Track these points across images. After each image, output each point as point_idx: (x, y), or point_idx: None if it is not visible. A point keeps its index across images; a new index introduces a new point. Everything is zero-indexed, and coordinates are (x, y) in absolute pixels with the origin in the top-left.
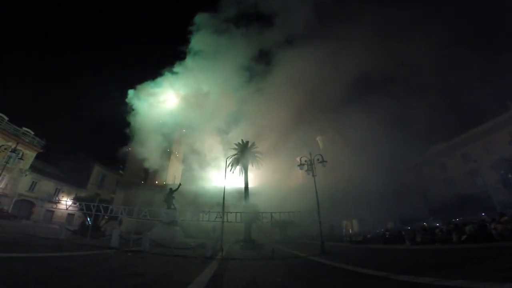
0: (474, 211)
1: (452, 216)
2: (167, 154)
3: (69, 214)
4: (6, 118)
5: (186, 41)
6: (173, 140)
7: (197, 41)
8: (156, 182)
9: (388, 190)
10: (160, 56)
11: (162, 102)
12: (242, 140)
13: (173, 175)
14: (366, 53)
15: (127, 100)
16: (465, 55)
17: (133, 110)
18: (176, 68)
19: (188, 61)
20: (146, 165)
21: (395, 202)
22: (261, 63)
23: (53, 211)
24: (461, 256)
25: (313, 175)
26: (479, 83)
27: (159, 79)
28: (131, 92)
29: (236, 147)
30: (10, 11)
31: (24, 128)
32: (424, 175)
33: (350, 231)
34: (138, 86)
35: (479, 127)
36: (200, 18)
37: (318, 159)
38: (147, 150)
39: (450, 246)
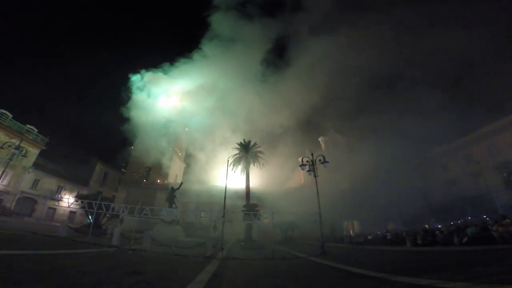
0: (476, 213)
1: (454, 217)
2: (169, 152)
3: (71, 212)
4: (10, 115)
5: (193, 36)
6: (175, 138)
7: (205, 37)
8: (158, 180)
9: (390, 191)
10: (167, 47)
11: (165, 97)
12: (244, 139)
13: (175, 174)
14: (376, 51)
15: (130, 89)
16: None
17: (131, 96)
18: (180, 62)
19: (193, 55)
20: (148, 163)
21: (397, 203)
22: (268, 61)
23: (55, 209)
24: (462, 259)
25: (315, 176)
26: (484, 84)
27: (165, 69)
28: (135, 78)
29: (238, 146)
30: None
31: (28, 126)
32: (426, 176)
33: (351, 232)
34: (142, 72)
35: (482, 129)
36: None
37: (320, 160)
38: (149, 149)
39: (451, 248)
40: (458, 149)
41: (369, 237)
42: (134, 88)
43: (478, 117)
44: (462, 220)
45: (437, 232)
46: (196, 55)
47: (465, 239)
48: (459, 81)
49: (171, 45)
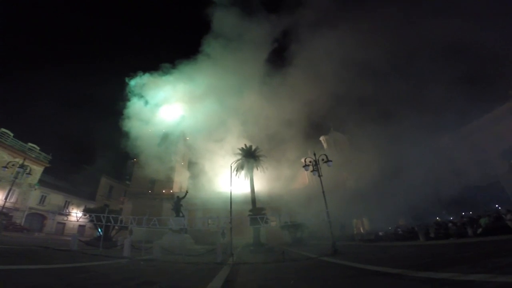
0: (487, 203)
1: (465, 209)
2: (172, 162)
3: (80, 226)
4: (11, 134)
5: (192, 38)
6: (177, 148)
7: (204, 38)
8: (163, 190)
9: (397, 185)
10: (166, 49)
11: (163, 104)
12: (245, 144)
13: (179, 183)
14: (379, 43)
15: (127, 96)
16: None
17: (129, 105)
18: (181, 64)
19: (193, 58)
20: (152, 175)
21: (405, 197)
22: (269, 62)
23: (64, 223)
24: (479, 250)
25: (319, 175)
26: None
27: (164, 72)
28: (133, 82)
29: (240, 152)
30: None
31: (30, 144)
32: (432, 167)
33: (362, 230)
34: (140, 74)
35: (486, 115)
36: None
37: (323, 159)
38: (152, 160)
39: (466, 240)
40: (463, 137)
41: (380, 234)
42: (132, 95)
43: (483, 103)
44: (474, 212)
45: (450, 224)
46: (196, 57)
47: (479, 230)
48: (461, 68)
49: (171, 47)
